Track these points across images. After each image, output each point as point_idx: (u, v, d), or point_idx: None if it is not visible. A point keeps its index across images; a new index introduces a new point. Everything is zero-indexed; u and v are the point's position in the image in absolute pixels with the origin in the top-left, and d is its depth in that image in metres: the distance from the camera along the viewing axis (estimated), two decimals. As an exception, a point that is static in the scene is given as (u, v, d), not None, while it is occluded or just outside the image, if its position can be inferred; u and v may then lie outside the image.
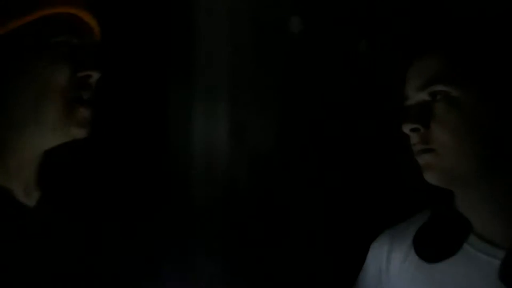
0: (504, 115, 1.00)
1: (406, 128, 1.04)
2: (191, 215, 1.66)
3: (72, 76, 0.96)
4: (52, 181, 1.08)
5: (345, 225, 1.66)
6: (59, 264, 1.00)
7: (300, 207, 1.71)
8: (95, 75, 0.99)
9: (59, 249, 1.01)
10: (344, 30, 1.73)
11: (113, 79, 1.06)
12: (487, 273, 1.00)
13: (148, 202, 1.59)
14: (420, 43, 1.06)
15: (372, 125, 1.69)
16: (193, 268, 1.63)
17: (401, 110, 1.06)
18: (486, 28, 1.04)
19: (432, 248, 1.08)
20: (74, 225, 1.09)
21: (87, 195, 1.39)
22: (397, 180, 1.54)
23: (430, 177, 1.04)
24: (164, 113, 1.68)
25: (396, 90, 1.10)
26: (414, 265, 1.11)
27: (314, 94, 1.74)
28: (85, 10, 1.00)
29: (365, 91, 1.71)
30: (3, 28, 0.94)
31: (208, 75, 1.68)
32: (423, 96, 1.03)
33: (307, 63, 1.74)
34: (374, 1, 1.68)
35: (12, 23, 0.94)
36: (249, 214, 1.68)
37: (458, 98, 1.00)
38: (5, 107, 0.95)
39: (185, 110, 1.69)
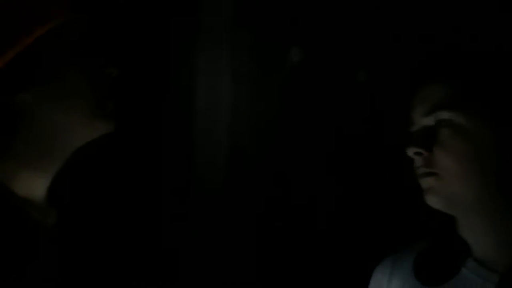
0: (508, 143, 1.02)
1: (410, 152, 1.07)
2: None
3: (97, 73, 1.01)
4: (64, 196, 1.10)
5: (350, 250, 1.68)
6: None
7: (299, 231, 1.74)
8: (115, 71, 1.04)
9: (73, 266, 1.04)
10: (343, 59, 1.78)
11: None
12: None
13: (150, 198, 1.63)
14: (427, 71, 1.10)
15: (372, 151, 1.72)
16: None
17: (405, 135, 1.10)
18: (491, 57, 1.07)
19: (431, 271, 1.10)
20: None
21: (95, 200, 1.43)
22: (401, 207, 1.56)
23: (432, 201, 1.06)
24: (161, 138, 1.74)
25: (398, 117, 1.13)
26: (415, 289, 1.12)
27: (313, 123, 1.78)
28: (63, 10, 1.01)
29: (364, 119, 1.75)
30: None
31: (209, 106, 1.74)
32: (428, 121, 1.06)
33: (306, 92, 1.78)
34: (374, 31, 1.73)
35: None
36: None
37: (462, 125, 1.03)
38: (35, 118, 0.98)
39: (184, 138, 1.74)
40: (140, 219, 1.66)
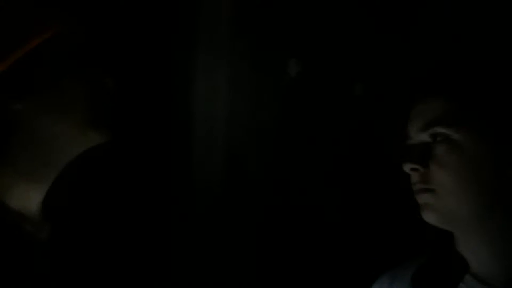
0: (505, 159, 1.02)
1: (406, 168, 1.06)
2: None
3: (94, 83, 1.01)
4: (59, 208, 1.09)
5: (347, 266, 1.67)
6: None
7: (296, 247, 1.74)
8: (112, 82, 1.03)
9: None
10: (341, 72, 1.78)
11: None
12: None
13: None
14: (424, 86, 1.09)
15: (368, 164, 1.72)
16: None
17: (401, 149, 1.09)
18: (488, 73, 1.06)
19: (429, 287, 1.09)
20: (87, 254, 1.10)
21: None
22: (399, 222, 1.56)
23: (428, 217, 1.05)
24: (159, 146, 1.73)
25: (394, 131, 1.13)
26: (412, 305, 1.12)
27: (310, 135, 1.78)
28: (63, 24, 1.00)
29: (360, 133, 1.75)
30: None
31: (206, 118, 1.74)
32: (424, 137, 1.05)
33: (304, 104, 1.79)
34: (373, 45, 1.73)
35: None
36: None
37: (458, 141, 1.02)
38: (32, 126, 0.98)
39: (182, 145, 1.74)
40: (138, 228, 1.65)
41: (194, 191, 1.73)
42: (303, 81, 1.80)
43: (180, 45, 1.76)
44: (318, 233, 1.74)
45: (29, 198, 1.00)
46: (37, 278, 0.96)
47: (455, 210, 1.03)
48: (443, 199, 1.03)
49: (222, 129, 1.75)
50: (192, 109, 1.75)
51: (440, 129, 1.03)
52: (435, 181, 1.03)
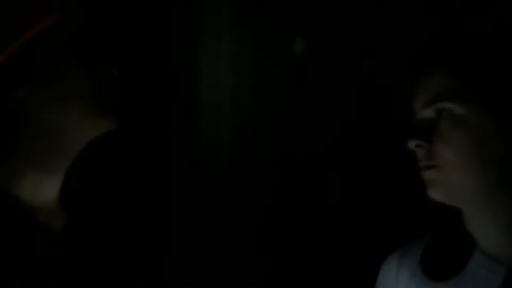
0: (509, 134, 1.00)
1: (411, 144, 1.05)
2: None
3: (97, 70, 1.00)
4: (74, 197, 1.09)
5: (356, 246, 1.67)
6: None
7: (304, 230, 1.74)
8: (115, 68, 1.03)
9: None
10: (347, 50, 1.77)
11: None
12: None
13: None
14: (428, 61, 1.08)
15: (377, 144, 1.70)
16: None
17: (406, 126, 1.08)
18: (492, 47, 1.04)
19: (438, 266, 1.08)
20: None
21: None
22: (406, 201, 1.55)
23: (433, 193, 1.04)
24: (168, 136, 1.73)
25: (400, 108, 1.12)
26: (422, 284, 1.10)
27: (317, 115, 1.77)
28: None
29: (368, 110, 1.74)
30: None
31: (212, 97, 1.74)
32: (429, 112, 1.04)
33: (310, 83, 1.78)
34: (378, 21, 1.72)
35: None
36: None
37: (463, 116, 1.01)
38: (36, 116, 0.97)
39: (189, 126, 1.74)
40: (147, 212, 1.66)
41: (201, 171, 1.74)
42: (310, 58, 1.79)
43: (184, 22, 1.75)
44: (326, 211, 1.74)
45: (42, 188, 1.00)
46: (52, 267, 0.96)
47: (461, 186, 1.02)
48: (448, 175, 1.02)
49: (228, 106, 1.75)
50: (198, 87, 1.75)
51: (444, 104, 1.02)
52: (440, 157, 1.02)
